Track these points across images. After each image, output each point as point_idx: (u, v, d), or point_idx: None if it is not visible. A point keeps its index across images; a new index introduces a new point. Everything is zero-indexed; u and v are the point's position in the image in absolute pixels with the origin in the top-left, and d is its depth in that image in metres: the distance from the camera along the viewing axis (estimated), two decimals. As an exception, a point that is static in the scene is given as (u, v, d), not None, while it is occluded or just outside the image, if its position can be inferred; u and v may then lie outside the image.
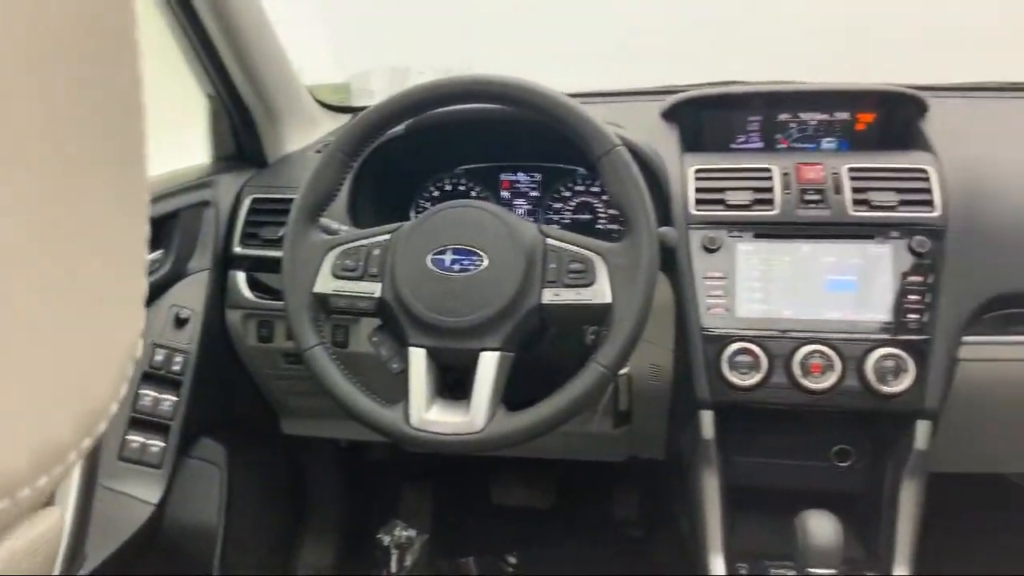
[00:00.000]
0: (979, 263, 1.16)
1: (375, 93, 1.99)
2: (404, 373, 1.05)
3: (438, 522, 1.89)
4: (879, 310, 1.16)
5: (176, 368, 1.31)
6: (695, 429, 1.23)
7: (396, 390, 1.05)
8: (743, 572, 1.20)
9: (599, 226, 1.43)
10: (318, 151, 1.48)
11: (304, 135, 1.55)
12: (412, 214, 1.48)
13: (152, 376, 1.30)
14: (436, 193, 1.48)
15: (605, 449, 1.49)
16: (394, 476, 1.93)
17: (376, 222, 1.13)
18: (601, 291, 1.00)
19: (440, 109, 1.13)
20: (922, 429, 1.16)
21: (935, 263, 1.15)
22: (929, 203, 1.18)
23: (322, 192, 1.10)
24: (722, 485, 1.24)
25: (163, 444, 1.28)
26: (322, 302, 1.08)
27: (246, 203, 1.41)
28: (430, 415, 1.02)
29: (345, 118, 1.65)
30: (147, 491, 1.25)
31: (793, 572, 1.13)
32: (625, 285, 0.99)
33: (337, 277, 1.08)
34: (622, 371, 1.26)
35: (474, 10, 2.07)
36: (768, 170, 1.24)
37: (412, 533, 1.78)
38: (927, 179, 1.19)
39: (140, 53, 0.34)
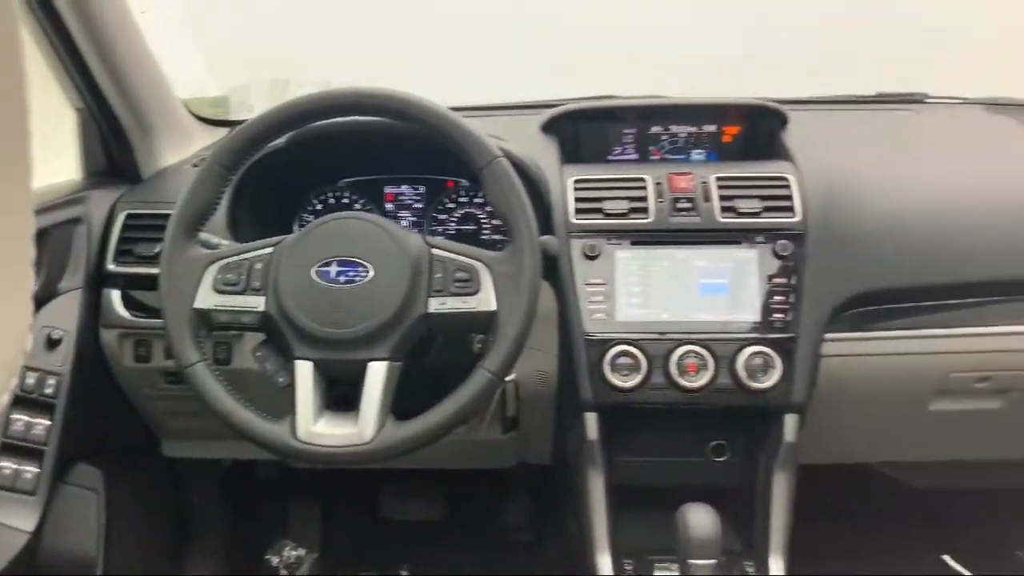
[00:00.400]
0: (837, 265, 1.24)
1: (254, 107, 1.96)
2: (290, 387, 1.04)
3: (327, 539, 1.86)
4: (748, 311, 1.22)
5: (49, 391, 1.26)
6: (580, 431, 1.26)
7: (282, 406, 1.04)
8: (629, 569, 1.24)
9: (483, 237, 1.45)
10: (195, 165, 1.45)
11: (179, 149, 1.52)
12: (295, 228, 1.47)
13: (23, 400, 1.24)
14: (319, 207, 1.48)
15: (494, 456, 1.51)
16: (281, 495, 1.90)
17: (257, 237, 1.12)
18: (486, 299, 1.02)
19: (322, 122, 1.13)
20: (790, 422, 1.23)
21: (797, 265, 1.23)
22: (790, 209, 1.25)
23: (201, 206, 1.09)
24: (607, 485, 1.27)
25: (37, 470, 1.22)
26: (203, 318, 1.06)
27: (120, 219, 1.36)
28: (318, 428, 1.02)
29: (223, 132, 1.62)
30: (21, 519, 1.20)
31: (676, 565, 1.17)
32: (509, 292, 1.02)
33: (218, 292, 1.06)
34: (509, 377, 1.28)
35: (355, 24, 2.08)
36: (642, 180, 1.29)
37: (301, 552, 1.75)
38: (788, 186, 1.27)
39: (23, 67, 0.34)
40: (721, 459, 1.33)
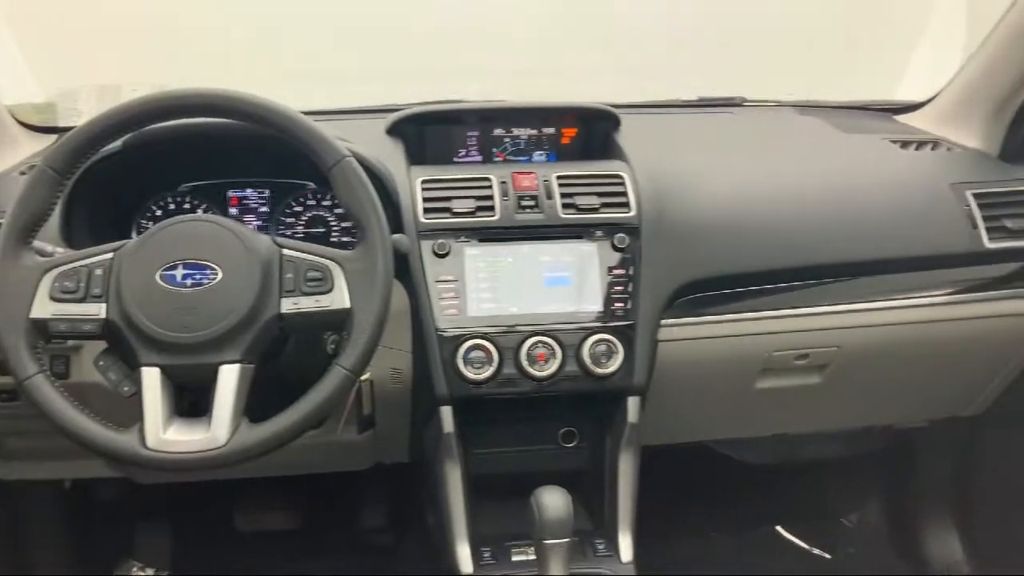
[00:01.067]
0: (670, 255, 1.33)
1: (83, 112, 1.88)
2: (136, 396, 1.01)
3: (179, 557, 1.81)
4: (591, 301, 1.29)
5: None
6: (436, 426, 1.29)
7: (129, 417, 1.01)
8: (487, 557, 1.28)
9: (333, 239, 1.46)
10: (23, 172, 1.38)
11: (4, 157, 1.44)
12: (133, 235, 1.42)
13: None
14: (159, 212, 1.44)
15: (351, 458, 1.52)
16: (127, 514, 1.82)
17: (93, 244, 1.08)
18: (340, 297, 1.03)
19: (161, 124, 1.11)
20: (633, 405, 1.30)
21: (634, 257, 1.30)
22: (626, 205, 1.33)
23: (33, 213, 1.04)
24: (464, 477, 1.31)
25: None
26: (40, 328, 1.02)
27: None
28: (168, 435, 1.00)
29: (51, 139, 1.54)
30: None
31: (532, 549, 1.22)
32: (363, 289, 1.04)
33: (56, 300, 1.02)
34: (364, 377, 1.29)
35: (195, 27, 2.02)
36: (488, 179, 1.34)
37: (150, 572, 1.69)
38: (623, 184, 1.35)
39: None
40: (571, 445, 1.39)
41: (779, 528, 1.87)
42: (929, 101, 1.71)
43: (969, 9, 1.80)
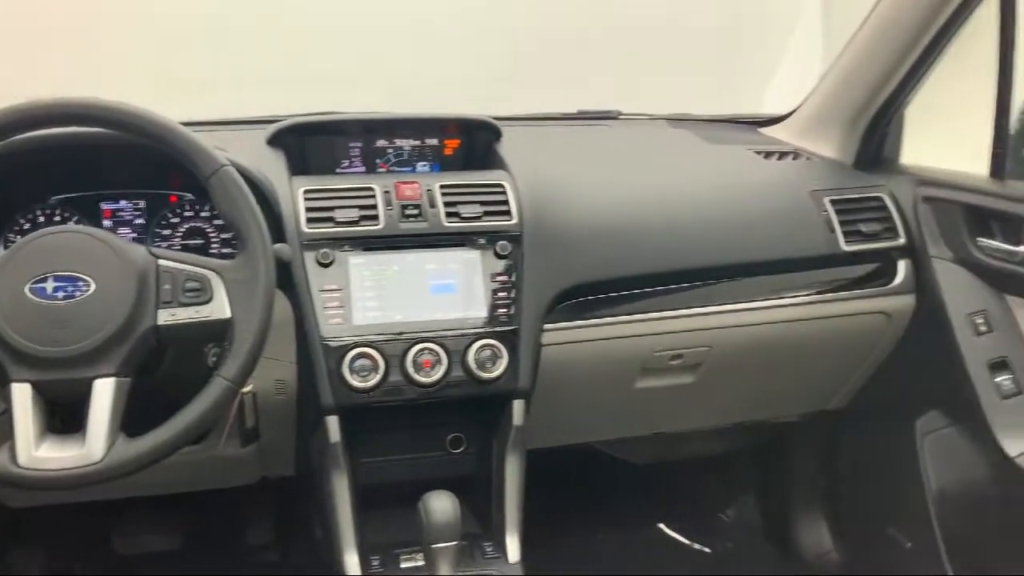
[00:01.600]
0: (551, 262, 1.37)
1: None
2: (6, 413, 0.98)
3: (53, 586, 1.73)
4: (476, 307, 1.32)
5: None
6: (323, 436, 1.29)
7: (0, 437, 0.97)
8: (376, 565, 1.28)
9: (212, 251, 1.43)
10: None
11: None
12: (1, 249, 1.36)
13: None
14: (27, 226, 1.38)
15: (235, 473, 1.49)
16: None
17: (-46, 260, 1.03)
18: (220, 307, 1.02)
19: (29, 134, 1.07)
20: (518, 407, 1.33)
21: (516, 264, 1.34)
22: (508, 213, 1.36)
23: None
24: (352, 487, 1.31)
25: None
26: None
27: None
28: (41, 452, 0.96)
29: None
30: None
31: (420, 553, 1.23)
32: (244, 299, 1.03)
33: None
34: (247, 389, 1.28)
35: (68, 35, 1.95)
36: (371, 189, 1.35)
37: (22, 603, 1.61)
38: (505, 193, 1.38)
39: None
40: (459, 451, 1.41)
41: (661, 525, 1.93)
42: (790, 115, 1.81)
43: (824, 30, 1.92)
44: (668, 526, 1.95)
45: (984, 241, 1.43)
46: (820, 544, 1.86)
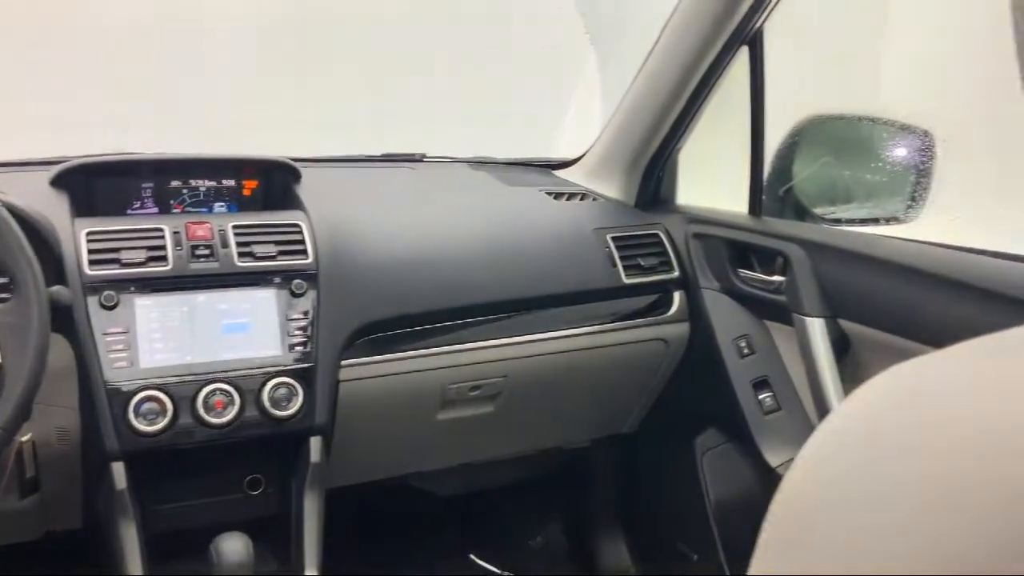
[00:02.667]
0: (348, 299, 1.40)
1: None
2: None
3: None
4: (271, 346, 1.32)
5: None
6: (108, 484, 1.25)
7: None
8: None
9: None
10: None
11: None
12: None
13: None
14: None
15: (15, 529, 1.41)
16: None
17: None
18: (-13, 352, 0.99)
19: None
20: (315, 445, 1.35)
21: (312, 302, 1.36)
22: (303, 252, 1.39)
23: None
24: (141, 536, 1.27)
25: None
26: None
27: None
28: None
29: None
30: None
31: None
32: (14, 344, 1.00)
33: None
34: (25, 437, 1.22)
35: None
36: (160, 230, 1.33)
37: None
38: (301, 232, 1.40)
39: None
40: (258, 492, 1.40)
41: (472, 555, 1.97)
42: (580, 158, 1.94)
43: (603, 82, 2.08)
44: (478, 556, 2.00)
45: (745, 272, 1.58)
46: (620, 563, 1.96)
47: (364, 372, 1.43)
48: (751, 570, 0.41)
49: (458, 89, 2.43)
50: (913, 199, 1.50)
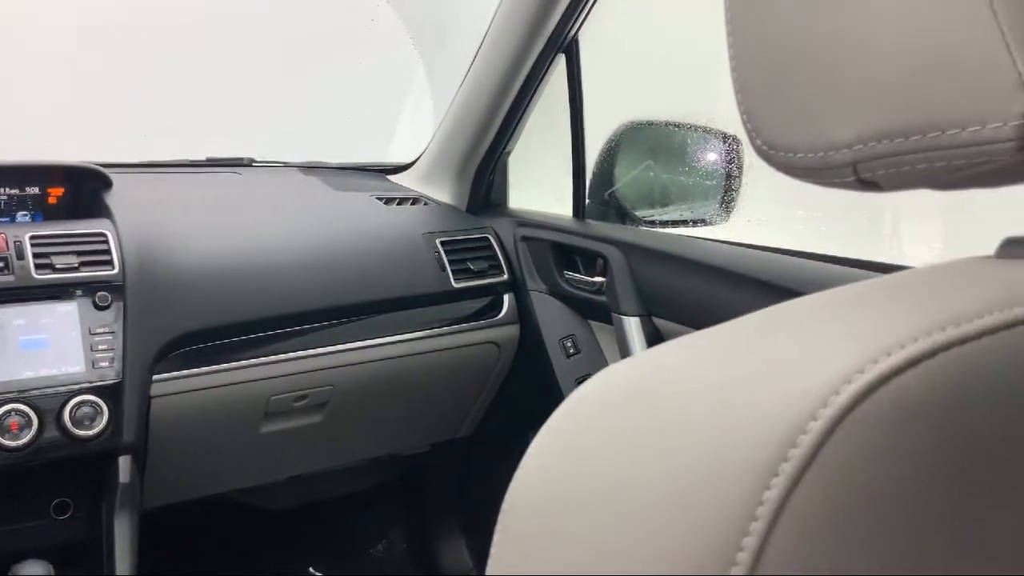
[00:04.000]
0: (159, 310, 1.34)
1: None
2: None
3: None
4: (72, 363, 1.25)
5: None
6: None
7: None
8: None
9: None
10: None
11: None
12: None
13: None
14: None
15: None
16: None
17: None
18: None
19: None
20: (124, 464, 1.29)
21: (118, 315, 1.30)
22: (109, 262, 1.32)
23: None
24: None
25: None
26: None
27: None
28: None
29: None
30: None
31: None
32: None
33: None
34: None
35: None
36: None
37: None
38: (106, 242, 1.34)
39: None
40: (65, 516, 1.32)
41: (311, 569, 1.94)
42: (413, 163, 1.94)
43: (433, 87, 2.09)
44: (317, 569, 1.96)
45: (570, 274, 1.62)
46: (461, 565, 1.97)
47: (180, 386, 1.37)
48: (488, 571, 0.42)
49: (294, 94, 2.37)
50: (725, 202, 1.58)
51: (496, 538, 0.41)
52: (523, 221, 1.73)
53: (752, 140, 0.46)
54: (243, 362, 1.43)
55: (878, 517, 0.31)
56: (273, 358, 1.46)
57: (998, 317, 0.34)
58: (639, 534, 0.34)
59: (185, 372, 1.38)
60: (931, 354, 0.32)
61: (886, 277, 0.41)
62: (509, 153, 1.80)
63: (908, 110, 0.39)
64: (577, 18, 1.48)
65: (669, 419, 0.36)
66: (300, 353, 1.48)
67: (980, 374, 0.32)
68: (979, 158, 0.38)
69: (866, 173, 0.41)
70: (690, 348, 0.40)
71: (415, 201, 1.79)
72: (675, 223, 1.62)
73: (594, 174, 1.69)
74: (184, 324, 1.37)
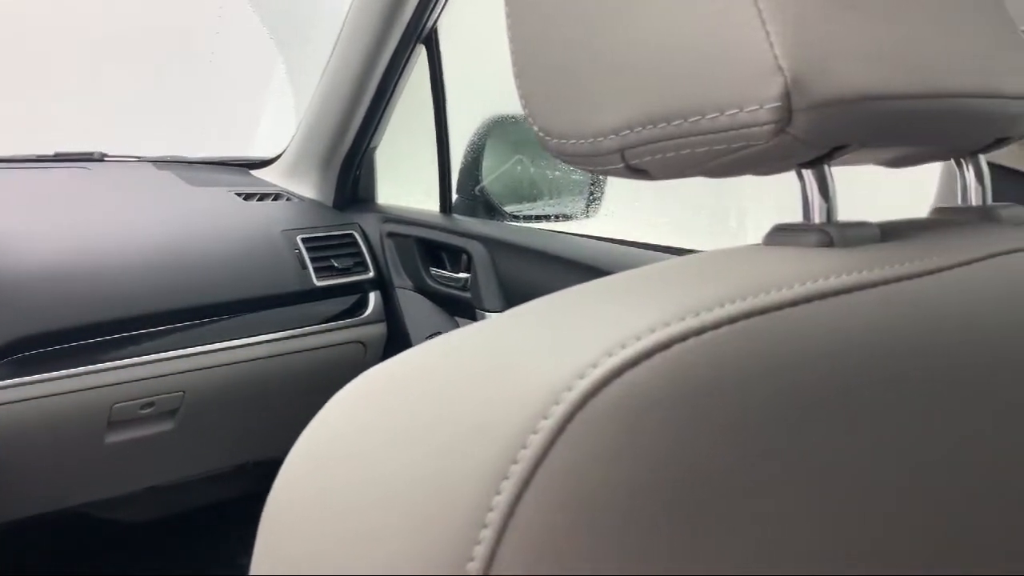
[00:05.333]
0: None
1: None
2: None
3: None
4: None
5: None
6: None
7: None
8: None
9: None
10: None
11: None
12: None
13: None
14: None
15: None
16: None
17: None
18: None
19: None
20: None
21: None
22: None
23: None
24: None
25: None
26: None
27: None
28: None
29: None
30: None
31: None
32: None
33: None
34: None
35: None
36: None
37: None
38: None
39: None
40: None
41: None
42: (278, 158, 1.87)
43: (294, 77, 2.02)
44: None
45: (435, 270, 1.59)
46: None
47: (12, 396, 1.28)
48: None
49: (157, 88, 2.27)
50: (591, 197, 1.58)
51: (255, 548, 0.38)
52: (389, 217, 1.69)
53: (531, 125, 0.44)
54: (83, 368, 1.34)
55: (612, 519, 0.29)
56: (115, 364, 1.37)
57: (740, 306, 0.32)
58: (378, 545, 0.32)
59: (20, 380, 1.28)
60: (666, 345, 0.31)
61: (654, 265, 0.39)
62: (376, 148, 1.76)
63: (671, 95, 0.37)
64: (434, 8, 1.45)
65: (408, 421, 0.34)
66: (145, 358, 1.40)
67: (717, 365, 0.31)
68: (738, 142, 0.36)
69: (634, 160, 0.40)
70: (444, 344, 0.37)
71: (277, 197, 1.73)
72: (541, 218, 1.61)
73: (462, 169, 1.67)
74: (13, 330, 1.27)
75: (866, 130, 0.37)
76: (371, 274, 1.65)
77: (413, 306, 1.62)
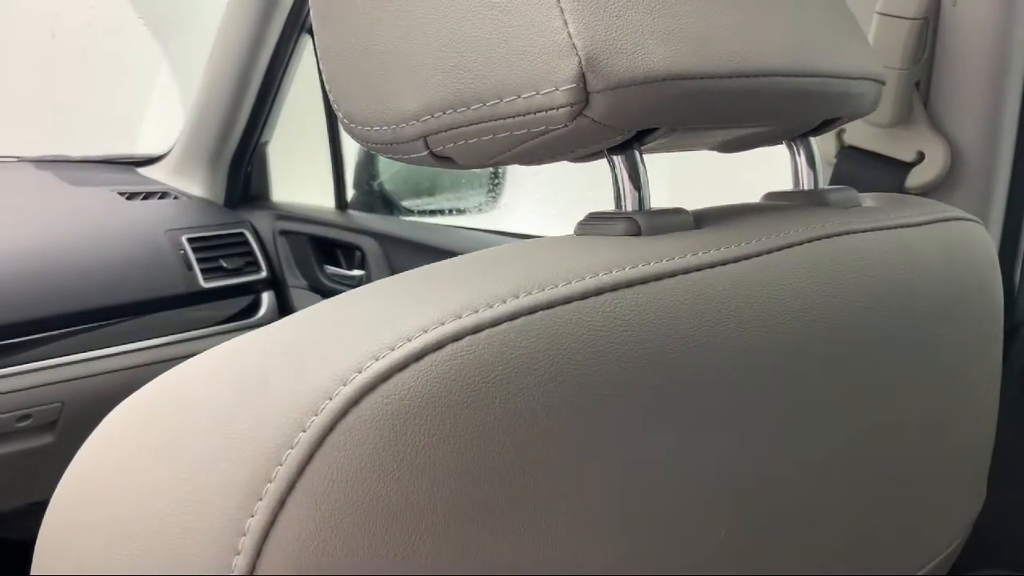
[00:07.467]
0: None
1: None
2: None
3: None
4: None
5: None
6: None
7: None
8: None
9: None
10: None
11: None
12: None
13: None
14: None
15: None
16: None
17: None
18: None
19: None
20: None
21: None
22: None
23: None
24: None
25: None
26: None
27: None
28: None
29: None
30: None
31: None
32: None
33: None
34: None
35: None
36: None
37: None
38: None
39: None
40: None
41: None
42: (166, 155, 1.80)
43: (178, 71, 1.95)
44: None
45: (330, 268, 1.55)
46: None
47: None
48: None
49: (36, 85, 2.16)
50: (491, 191, 1.56)
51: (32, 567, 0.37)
52: (282, 214, 1.63)
53: (336, 112, 0.42)
54: (-52, 381, 1.27)
55: (377, 526, 0.27)
56: (-15, 375, 1.30)
57: (524, 301, 0.30)
58: (141, 550, 0.30)
59: None
60: (439, 345, 0.28)
61: (459, 257, 0.37)
62: (267, 143, 1.70)
63: (469, 78, 0.35)
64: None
65: (169, 437, 0.32)
66: (18, 368, 1.33)
67: (493, 363, 0.29)
68: (538, 127, 0.34)
69: (437, 147, 0.37)
70: (219, 353, 0.35)
71: (164, 195, 1.66)
72: (440, 212, 1.59)
73: (358, 163, 1.62)
74: None
75: (673, 112, 0.36)
76: (264, 274, 1.59)
77: (307, 306, 1.57)
